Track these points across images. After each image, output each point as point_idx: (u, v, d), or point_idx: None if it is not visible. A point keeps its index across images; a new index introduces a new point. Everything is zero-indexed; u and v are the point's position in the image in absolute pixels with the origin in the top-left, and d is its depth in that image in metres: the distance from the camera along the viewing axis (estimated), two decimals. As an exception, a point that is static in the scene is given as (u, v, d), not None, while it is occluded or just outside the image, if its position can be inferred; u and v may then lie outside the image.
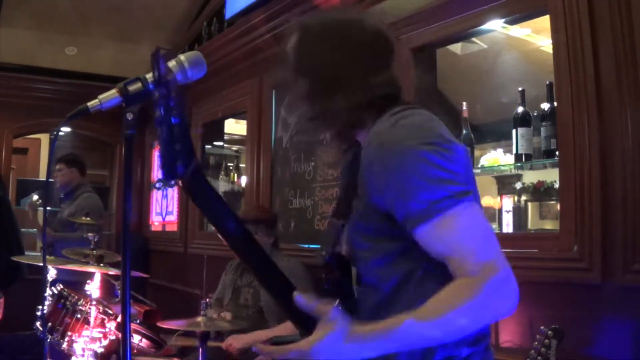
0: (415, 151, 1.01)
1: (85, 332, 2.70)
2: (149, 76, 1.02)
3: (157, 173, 5.78)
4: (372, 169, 1.06)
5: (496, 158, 2.82)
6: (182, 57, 1.08)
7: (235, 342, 2.83)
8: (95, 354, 2.65)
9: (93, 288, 2.81)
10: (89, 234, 3.17)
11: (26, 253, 3.61)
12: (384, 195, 1.04)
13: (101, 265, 2.97)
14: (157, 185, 0.94)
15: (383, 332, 0.95)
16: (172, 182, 0.93)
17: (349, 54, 1.15)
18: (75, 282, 3.15)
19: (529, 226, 3.85)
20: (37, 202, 4.23)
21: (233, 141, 5.61)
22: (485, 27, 2.59)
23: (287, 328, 2.89)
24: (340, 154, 1.35)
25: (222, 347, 2.85)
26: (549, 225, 3.76)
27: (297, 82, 1.18)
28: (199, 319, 2.59)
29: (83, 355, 2.66)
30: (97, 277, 2.85)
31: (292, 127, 3.75)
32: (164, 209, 5.58)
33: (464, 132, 2.70)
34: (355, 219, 1.14)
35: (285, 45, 1.22)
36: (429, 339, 0.96)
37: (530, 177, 3.79)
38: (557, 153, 2.23)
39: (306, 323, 1.08)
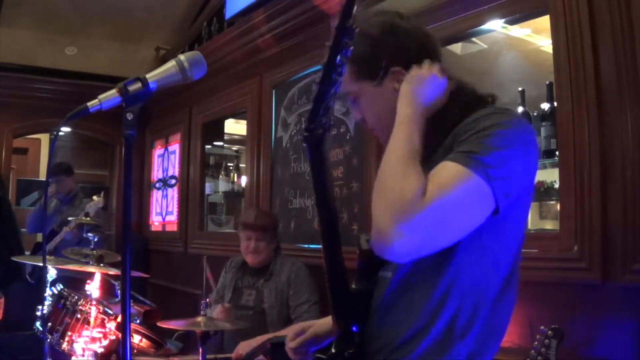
0: (513, 133, 1.06)
1: (85, 332, 2.70)
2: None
3: (157, 173, 5.79)
4: (469, 126, 1.07)
5: (496, 158, 2.82)
6: (182, 57, 1.08)
7: (242, 349, 2.83)
8: (95, 354, 2.65)
9: (93, 288, 2.81)
10: (90, 234, 3.18)
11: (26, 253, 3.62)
12: (460, 139, 1.07)
13: (101, 265, 2.97)
14: (304, 135, 0.92)
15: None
16: (318, 132, 0.93)
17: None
18: (76, 280, 3.16)
19: (529, 226, 3.84)
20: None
21: (233, 141, 5.62)
22: (485, 27, 2.59)
23: (289, 331, 2.89)
24: None
25: (232, 357, 2.85)
26: (549, 225, 3.76)
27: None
28: (199, 319, 2.59)
29: (83, 355, 2.66)
30: (97, 277, 2.85)
31: (292, 127, 3.75)
32: (164, 209, 5.58)
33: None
34: None
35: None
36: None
37: (531, 177, 3.78)
38: (557, 153, 2.23)
39: (347, 316, 1.14)
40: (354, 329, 1.17)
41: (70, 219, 4.14)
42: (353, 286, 1.21)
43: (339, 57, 0.87)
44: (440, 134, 1.13)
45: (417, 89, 1.11)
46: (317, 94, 0.92)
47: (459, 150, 1.02)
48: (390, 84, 1.18)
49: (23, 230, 4.23)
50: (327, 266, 1.14)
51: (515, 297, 1.16)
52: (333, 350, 1.20)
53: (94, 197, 4.19)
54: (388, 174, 1.01)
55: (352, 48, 0.87)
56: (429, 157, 1.13)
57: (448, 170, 0.99)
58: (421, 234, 0.96)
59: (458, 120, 1.13)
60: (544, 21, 2.28)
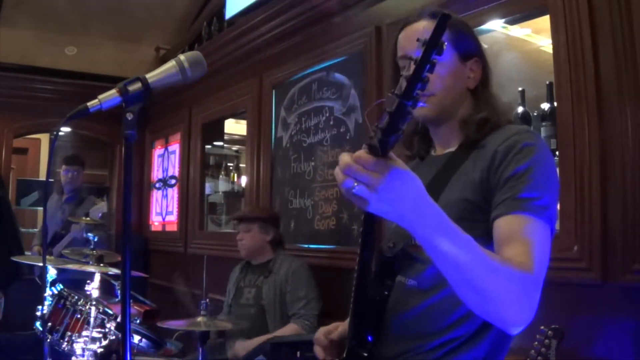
0: (554, 167, 1.18)
1: (85, 332, 2.70)
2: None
3: (157, 173, 5.79)
4: (512, 152, 1.13)
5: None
6: (182, 57, 1.09)
7: (239, 349, 2.84)
8: (95, 354, 2.65)
9: (93, 288, 2.81)
10: (90, 234, 3.18)
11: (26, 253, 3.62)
12: (505, 174, 1.12)
13: (101, 265, 2.97)
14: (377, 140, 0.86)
15: (448, 222, 0.93)
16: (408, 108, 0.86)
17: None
18: (77, 281, 3.16)
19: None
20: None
21: (233, 141, 5.62)
22: (485, 27, 2.59)
23: (287, 331, 2.90)
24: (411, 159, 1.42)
25: (229, 357, 2.86)
26: (549, 225, 3.76)
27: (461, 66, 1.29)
28: (199, 319, 2.59)
29: (83, 355, 2.66)
30: (97, 277, 2.85)
31: (292, 127, 3.75)
32: (164, 209, 5.58)
33: None
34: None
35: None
36: (467, 263, 0.93)
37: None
38: (557, 153, 2.23)
39: (363, 324, 1.15)
40: (369, 338, 1.18)
41: (70, 218, 4.14)
42: (369, 291, 1.21)
43: (424, 73, 0.81)
44: (469, 131, 1.25)
45: (387, 211, 0.91)
46: (396, 108, 0.82)
47: (518, 196, 1.08)
48: (469, 69, 1.30)
49: (23, 230, 4.23)
50: (358, 276, 1.17)
51: None
52: (344, 356, 1.21)
53: (96, 202, 4.20)
54: (489, 285, 0.96)
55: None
56: (455, 162, 1.21)
57: (527, 227, 1.06)
58: (539, 293, 1.02)
59: (487, 130, 1.24)
60: (544, 21, 2.28)
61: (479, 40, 1.34)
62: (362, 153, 0.87)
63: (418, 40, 0.81)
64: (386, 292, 1.18)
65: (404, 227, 0.91)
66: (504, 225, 1.07)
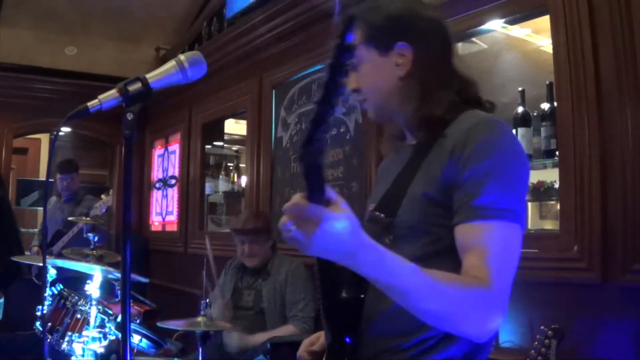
0: (521, 157, 1.11)
1: (85, 332, 2.70)
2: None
3: (157, 173, 5.79)
4: (469, 147, 1.07)
5: (496, 158, 2.81)
6: (182, 57, 1.08)
7: (237, 340, 2.84)
8: (95, 354, 2.65)
9: (93, 288, 2.81)
10: (90, 234, 3.18)
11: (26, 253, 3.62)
12: (463, 173, 1.06)
13: (101, 264, 2.97)
14: (300, 156, 0.86)
15: (388, 256, 0.94)
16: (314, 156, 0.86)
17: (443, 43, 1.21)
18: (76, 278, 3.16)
19: (529, 226, 3.84)
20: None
21: (233, 141, 5.62)
22: (485, 27, 2.59)
23: (286, 330, 2.90)
24: (390, 150, 1.36)
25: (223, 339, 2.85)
26: (549, 225, 3.76)
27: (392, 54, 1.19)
28: (199, 319, 2.59)
29: (83, 355, 2.66)
30: (97, 277, 2.85)
31: (292, 127, 3.75)
32: (164, 209, 5.58)
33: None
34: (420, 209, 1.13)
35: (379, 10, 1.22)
36: (415, 295, 0.96)
37: (531, 177, 3.77)
38: (557, 153, 2.23)
39: (335, 324, 1.15)
40: (347, 340, 1.16)
41: (70, 218, 4.14)
42: (343, 294, 1.19)
43: (339, 78, 0.81)
44: (430, 126, 1.16)
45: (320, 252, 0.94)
46: (315, 115, 0.83)
47: (475, 202, 1.03)
48: (394, 58, 1.19)
49: (23, 230, 4.23)
50: (321, 279, 1.17)
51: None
52: None
53: (102, 196, 4.19)
54: (437, 308, 0.97)
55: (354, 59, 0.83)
56: (420, 154, 1.15)
57: (485, 234, 1.02)
58: (504, 301, 1.00)
59: (449, 119, 1.15)
60: (544, 21, 2.28)
61: (409, 21, 1.20)
62: (298, 199, 0.89)
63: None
64: (362, 295, 1.16)
65: (344, 265, 0.95)
66: (462, 234, 1.05)
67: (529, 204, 3.93)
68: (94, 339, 2.67)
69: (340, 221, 0.89)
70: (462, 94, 1.20)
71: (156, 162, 5.83)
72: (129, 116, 1.01)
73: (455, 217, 1.06)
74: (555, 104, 2.22)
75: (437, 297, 0.96)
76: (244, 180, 4.68)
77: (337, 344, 1.18)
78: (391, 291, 0.97)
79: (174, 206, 5.38)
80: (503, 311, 0.98)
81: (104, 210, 4.09)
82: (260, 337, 2.82)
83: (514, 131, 2.47)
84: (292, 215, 0.89)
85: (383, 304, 1.08)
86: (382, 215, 1.18)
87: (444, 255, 1.08)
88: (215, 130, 5.07)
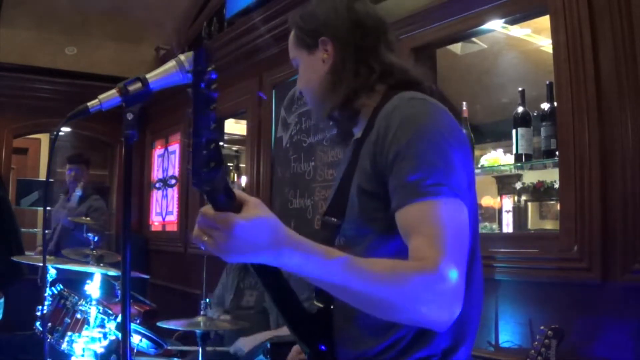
0: (449, 128, 1.05)
1: (85, 332, 2.70)
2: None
3: (157, 173, 5.79)
4: (391, 131, 1.04)
5: (496, 158, 2.82)
6: (182, 57, 1.08)
7: (242, 344, 2.84)
8: (95, 354, 2.65)
9: (93, 288, 2.81)
10: (90, 234, 3.18)
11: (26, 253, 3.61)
12: (389, 157, 1.02)
13: (101, 265, 2.97)
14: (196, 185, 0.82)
15: (316, 250, 0.91)
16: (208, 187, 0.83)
17: (366, 27, 1.21)
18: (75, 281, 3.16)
19: (529, 226, 3.85)
20: None
21: (233, 141, 5.62)
22: (485, 27, 2.59)
23: (286, 330, 2.90)
24: (341, 149, 1.36)
25: (231, 351, 2.85)
26: (549, 225, 3.76)
27: (317, 49, 1.23)
28: (199, 319, 2.59)
29: (83, 355, 2.66)
30: (97, 277, 2.85)
31: (292, 127, 3.75)
32: (164, 209, 5.58)
33: (464, 132, 2.69)
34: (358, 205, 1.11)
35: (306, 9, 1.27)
36: (351, 287, 0.91)
37: (530, 177, 3.79)
38: (557, 153, 2.23)
39: (306, 334, 1.12)
40: (322, 348, 1.15)
41: (69, 218, 4.14)
42: (315, 302, 1.18)
43: (205, 105, 0.79)
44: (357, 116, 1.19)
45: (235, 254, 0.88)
46: (193, 147, 0.79)
47: (405, 181, 0.99)
48: (320, 55, 1.23)
49: (23, 230, 4.23)
50: (272, 297, 1.16)
51: (482, 280, 1.13)
52: None
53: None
54: (377, 298, 0.92)
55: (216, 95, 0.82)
56: (357, 149, 1.14)
57: (423, 214, 0.97)
58: (457, 283, 0.92)
59: (379, 106, 1.14)
60: (544, 21, 2.28)
61: (328, 16, 1.22)
62: (206, 209, 0.86)
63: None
64: (332, 306, 1.15)
65: (273, 266, 0.92)
66: (401, 219, 0.99)
67: (529, 204, 3.94)
68: (93, 339, 2.67)
69: (252, 223, 0.85)
70: (395, 81, 1.18)
71: (156, 162, 5.83)
72: (129, 116, 1.01)
73: (392, 203, 1.02)
74: (555, 104, 2.22)
75: (375, 285, 0.90)
76: (244, 180, 4.68)
77: (313, 352, 1.17)
78: (327, 287, 0.94)
79: (174, 206, 5.38)
80: (455, 293, 0.91)
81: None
82: (267, 335, 2.82)
83: (513, 131, 2.47)
84: (201, 227, 0.85)
85: (350, 311, 1.05)
86: (333, 219, 1.18)
87: (393, 247, 1.03)
88: (215, 130, 5.06)
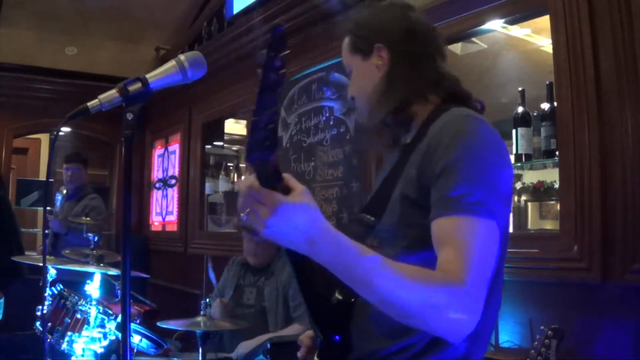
0: (498, 151, 1.09)
1: (85, 332, 2.70)
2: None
3: (157, 173, 5.79)
4: (442, 145, 1.07)
5: (496, 158, 2.81)
6: (182, 57, 1.08)
7: (243, 350, 2.84)
8: (95, 354, 2.65)
9: (93, 288, 2.81)
10: (90, 234, 3.18)
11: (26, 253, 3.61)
12: (436, 170, 1.05)
13: (101, 265, 2.97)
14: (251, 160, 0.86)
15: (350, 246, 0.94)
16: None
17: (424, 39, 1.24)
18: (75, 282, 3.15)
19: (529, 226, 3.84)
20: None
21: (233, 141, 5.62)
22: (485, 27, 2.59)
23: (293, 329, 2.89)
24: (385, 151, 1.38)
25: (233, 357, 2.85)
26: (549, 225, 3.76)
27: (372, 55, 1.24)
28: (199, 319, 2.59)
29: (83, 355, 2.66)
30: (97, 277, 2.85)
31: (292, 127, 3.75)
32: (164, 209, 5.58)
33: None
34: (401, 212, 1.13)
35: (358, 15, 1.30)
36: (377, 286, 0.94)
37: (530, 177, 3.78)
38: (557, 153, 2.23)
39: (323, 322, 1.14)
40: (336, 338, 1.16)
41: (70, 218, 4.14)
42: (337, 295, 1.19)
43: (271, 86, 0.83)
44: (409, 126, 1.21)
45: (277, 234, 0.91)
46: (252, 124, 0.84)
47: (448, 194, 1.02)
48: (375, 60, 1.24)
49: (23, 230, 4.23)
50: (303, 284, 1.17)
51: (500, 298, 1.16)
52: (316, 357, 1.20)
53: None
54: (402, 303, 0.94)
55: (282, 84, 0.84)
56: (405, 155, 1.16)
57: (459, 228, 1.00)
58: (479, 300, 0.96)
59: (431, 117, 1.16)
60: (544, 21, 2.28)
61: (385, 24, 1.26)
62: (254, 183, 0.88)
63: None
64: (353, 300, 1.15)
65: (303, 254, 0.94)
66: (436, 229, 1.03)
67: (529, 204, 3.94)
68: (93, 339, 2.67)
69: (296, 207, 0.88)
70: (447, 93, 1.21)
71: (156, 162, 5.83)
72: (129, 116, 1.01)
73: (431, 212, 1.05)
74: (555, 104, 2.22)
75: (401, 289, 0.93)
76: (244, 181, 4.68)
77: (326, 341, 1.18)
78: (355, 282, 0.95)
79: (174, 206, 5.38)
80: (476, 310, 0.95)
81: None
82: (265, 338, 2.82)
83: (513, 131, 2.47)
84: (248, 198, 0.88)
85: (371, 306, 1.06)
86: (371, 217, 1.19)
87: (424, 256, 1.05)
88: (215, 130, 5.07)
